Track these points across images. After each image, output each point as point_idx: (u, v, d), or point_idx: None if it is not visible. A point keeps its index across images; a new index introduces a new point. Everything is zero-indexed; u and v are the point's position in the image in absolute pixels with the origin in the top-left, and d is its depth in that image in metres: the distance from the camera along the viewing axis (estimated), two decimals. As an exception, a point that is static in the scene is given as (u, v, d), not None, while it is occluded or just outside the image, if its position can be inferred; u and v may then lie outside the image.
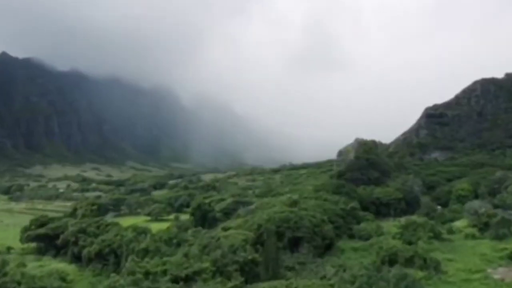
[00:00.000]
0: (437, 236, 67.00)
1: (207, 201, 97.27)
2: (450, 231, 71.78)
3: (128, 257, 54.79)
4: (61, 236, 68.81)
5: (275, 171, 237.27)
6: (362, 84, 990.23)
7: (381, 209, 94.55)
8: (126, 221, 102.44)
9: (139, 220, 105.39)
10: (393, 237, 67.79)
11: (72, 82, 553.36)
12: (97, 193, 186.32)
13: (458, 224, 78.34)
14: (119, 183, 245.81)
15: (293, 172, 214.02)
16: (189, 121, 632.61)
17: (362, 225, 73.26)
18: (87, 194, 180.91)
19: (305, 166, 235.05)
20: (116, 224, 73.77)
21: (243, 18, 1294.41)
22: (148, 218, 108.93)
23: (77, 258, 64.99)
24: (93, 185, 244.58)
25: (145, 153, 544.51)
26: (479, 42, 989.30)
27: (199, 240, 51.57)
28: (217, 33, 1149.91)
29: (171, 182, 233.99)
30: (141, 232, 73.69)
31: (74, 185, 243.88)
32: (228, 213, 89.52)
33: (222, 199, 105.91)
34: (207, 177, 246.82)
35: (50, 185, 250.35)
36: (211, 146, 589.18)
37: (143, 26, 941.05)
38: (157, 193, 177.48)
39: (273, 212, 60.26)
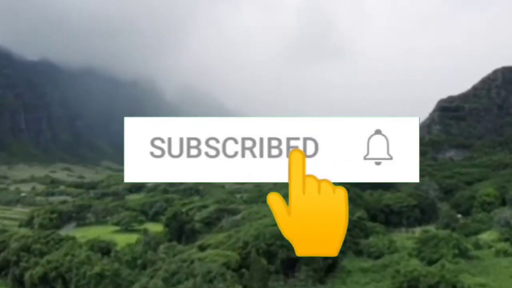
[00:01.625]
0: (463, 253, 60.34)
1: (185, 209, 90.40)
2: (477, 246, 65.38)
3: (78, 283, 47.21)
4: (1, 254, 60.89)
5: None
6: (364, 75, 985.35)
7: (391, 218, 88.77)
8: (90, 232, 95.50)
9: (106, 231, 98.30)
10: (409, 254, 61.68)
11: (42, 73, 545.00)
12: (64, 197, 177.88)
13: (485, 237, 72.09)
14: (91, 186, 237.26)
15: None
16: (173, 116, 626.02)
17: (372, 239, 66.51)
18: (52, 199, 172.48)
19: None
20: (72, 238, 65.90)
21: (232, 2, 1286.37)
22: (117, 228, 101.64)
23: (20, 282, 57.25)
24: (62, 187, 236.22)
25: (123, 152, 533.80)
26: (498, 26, 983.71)
27: (167, 264, 43.78)
28: (204, 19, 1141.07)
29: (150, 184, 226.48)
30: (101, 249, 66.28)
31: (40, 188, 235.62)
32: (210, 223, 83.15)
33: (204, 206, 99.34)
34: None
35: (13, 187, 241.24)
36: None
37: (123, 12, 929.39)
38: (132, 197, 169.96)
39: (263, 226, 52.84)
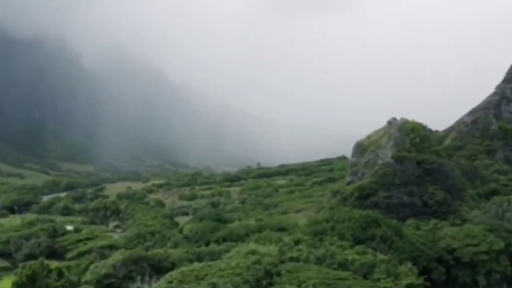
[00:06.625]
0: None
1: (65, 262, 69.91)
2: None
3: None
4: None
5: (232, 180, 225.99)
6: (379, 34, 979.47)
7: (456, 273, 70.93)
8: None
9: None
10: None
11: None
12: None
13: None
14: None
15: (263, 182, 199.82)
16: (93, 95, 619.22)
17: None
18: None
19: (284, 170, 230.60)
20: None
21: None
22: None
23: None
24: None
25: (19, 148, 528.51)
26: None
27: None
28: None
29: (47, 198, 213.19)
30: None
31: None
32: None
33: (112, 247, 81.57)
34: (116, 189, 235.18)
35: None
36: (129, 136, 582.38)
37: None
38: (9, 222, 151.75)
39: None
